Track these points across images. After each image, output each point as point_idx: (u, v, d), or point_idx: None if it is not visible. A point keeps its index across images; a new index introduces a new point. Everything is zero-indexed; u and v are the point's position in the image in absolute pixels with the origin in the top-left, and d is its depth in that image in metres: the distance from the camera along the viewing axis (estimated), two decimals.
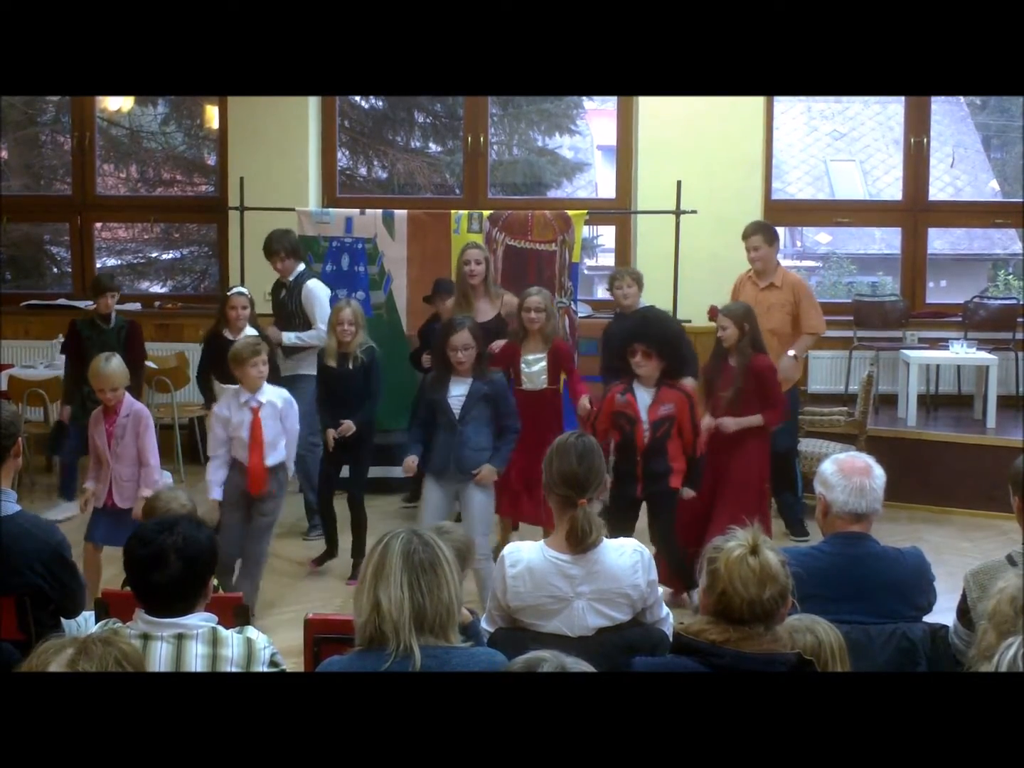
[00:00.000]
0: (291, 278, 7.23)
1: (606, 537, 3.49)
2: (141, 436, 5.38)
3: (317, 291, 7.17)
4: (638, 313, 5.89)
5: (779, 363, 6.60)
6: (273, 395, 5.61)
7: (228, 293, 6.76)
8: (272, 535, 5.80)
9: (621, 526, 5.44)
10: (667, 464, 5.50)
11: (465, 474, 5.49)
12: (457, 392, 5.52)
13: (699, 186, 8.06)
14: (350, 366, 6.13)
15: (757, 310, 6.39)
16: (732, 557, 2.62)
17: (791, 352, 6.94)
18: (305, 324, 7.09)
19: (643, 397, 5.49)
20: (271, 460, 5.55)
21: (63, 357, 7.69)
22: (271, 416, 5.55)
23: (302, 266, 7.29)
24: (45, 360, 8.45)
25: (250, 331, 6.65)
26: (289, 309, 7.17)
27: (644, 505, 5.65)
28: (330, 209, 8.30)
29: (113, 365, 5.37)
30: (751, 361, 5.85)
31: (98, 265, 9.92)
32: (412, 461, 5.56)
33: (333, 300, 7.12)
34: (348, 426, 6.11)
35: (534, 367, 6.26)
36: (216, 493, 5.57)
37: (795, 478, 7.05)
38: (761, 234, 7.09)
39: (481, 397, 5.51)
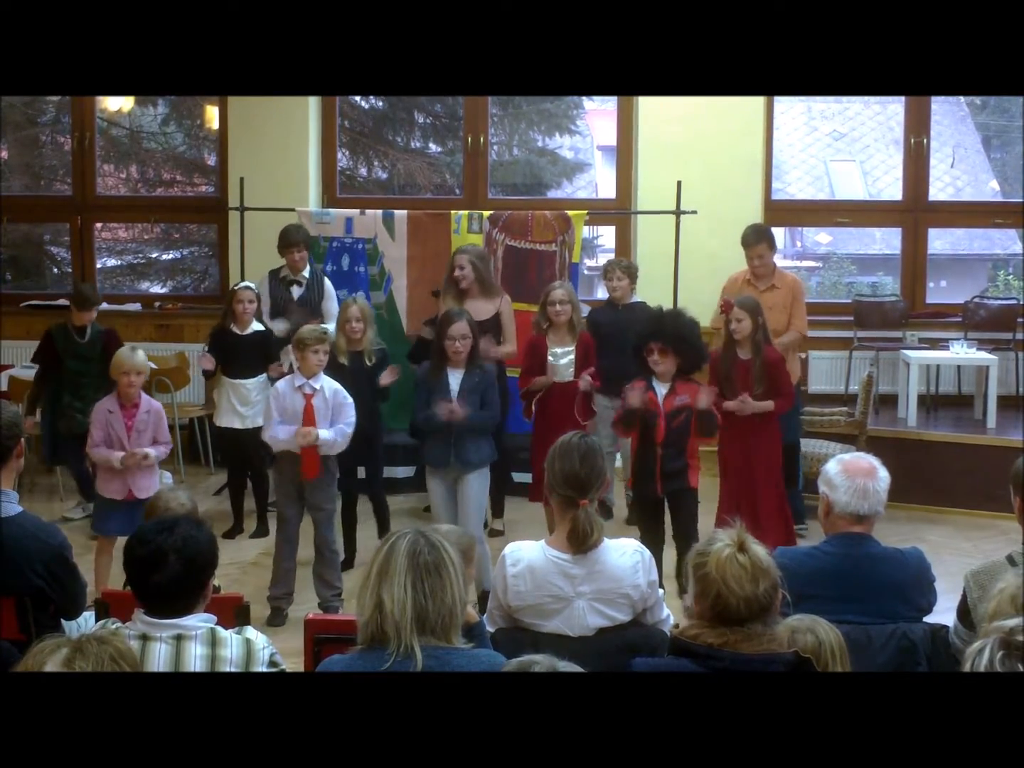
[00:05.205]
0: (306, 273, 7.27)
1: (612, 538, 3.50)
2: (162, 429, 5.66)
3: (332, 288, 7.37)
4: (652, 311, 5.91)
5: (790, 365, 6.79)
6: (327, 385, 5.63)
7: (235, 287, 6.77)
8: (334, 526, 5.79)
9: (650, 527, 5.52)
10: (684, 460, 5.55)
11: (464, 465, 5.56)
12: (452, 385, 5.61)
13: (699, 186, 8.06)
14: (367, 362, 6.16)
15: None
16: (722, 557, 2.60)
17: (800, 355, 7.18)
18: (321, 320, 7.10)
19: (658, 391, 5.56)
20: (322, 449, 5.58)
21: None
22: (323, 404, 5.58)
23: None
24: None
25: (257, 326, 6.67)
26: (312, 305, 7.20)
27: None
28: (330, 209, 8.30)
29: (140, 354, 5.63)
30: (766, 353, 6.06)
31: (98, 265, 9.89)
32: (449, 404, 5.53)
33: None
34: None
35: (563, 360, 6.35)
36: (283, 433, 5.53)
37: (797, 471, 7.09)
38: (766, 242, 7.18)
39: (474, 388, 5.61)
